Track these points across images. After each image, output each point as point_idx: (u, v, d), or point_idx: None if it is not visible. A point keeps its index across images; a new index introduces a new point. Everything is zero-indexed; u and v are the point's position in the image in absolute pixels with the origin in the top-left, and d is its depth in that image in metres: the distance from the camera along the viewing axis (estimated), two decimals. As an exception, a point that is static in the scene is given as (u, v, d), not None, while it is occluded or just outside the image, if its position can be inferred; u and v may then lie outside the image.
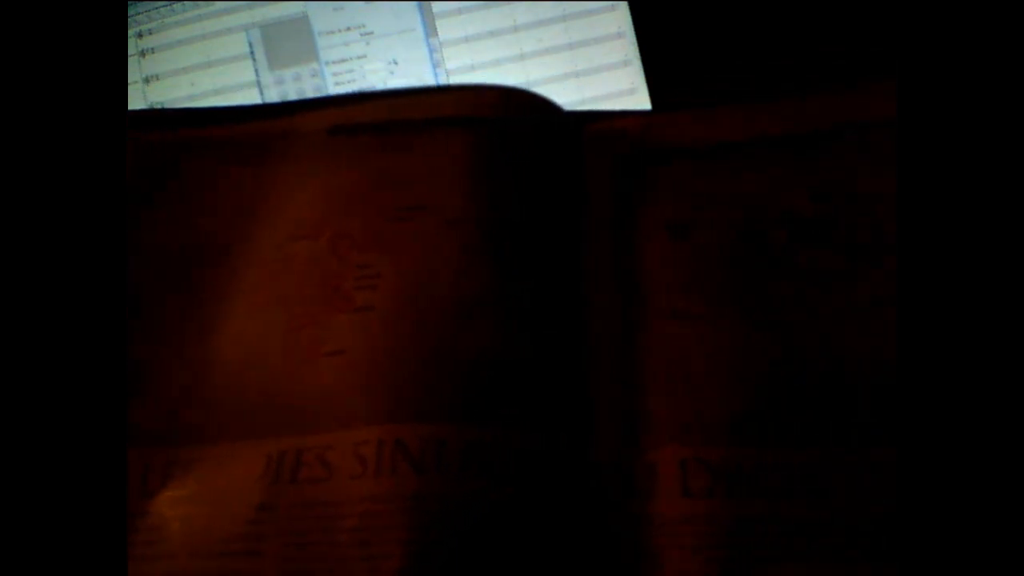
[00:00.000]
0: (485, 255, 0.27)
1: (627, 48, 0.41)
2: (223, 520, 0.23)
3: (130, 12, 0.43)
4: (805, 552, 0.22)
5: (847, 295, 0.26)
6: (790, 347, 0.25)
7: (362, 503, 0.23)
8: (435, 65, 0.42)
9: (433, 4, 0.42)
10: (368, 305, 0.26)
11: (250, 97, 0.43)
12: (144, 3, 0.43)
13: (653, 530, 0.23)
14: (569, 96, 0.41)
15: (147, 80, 0.43)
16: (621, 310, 0.27)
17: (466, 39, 0.42)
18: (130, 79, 0.43)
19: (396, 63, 0.42)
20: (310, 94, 0.43)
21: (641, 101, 0.41)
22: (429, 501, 0.23)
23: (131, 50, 0.43)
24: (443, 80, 0.42)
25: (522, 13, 0.41)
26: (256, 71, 0.43)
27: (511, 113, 0.30)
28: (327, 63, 0.43)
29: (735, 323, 0.26)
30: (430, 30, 0.42)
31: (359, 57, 0.42)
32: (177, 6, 0.43)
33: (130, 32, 0.43)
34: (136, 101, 0.43)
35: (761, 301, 0.26)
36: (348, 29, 0.42)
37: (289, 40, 0.43)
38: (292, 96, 0.42)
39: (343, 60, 0.42)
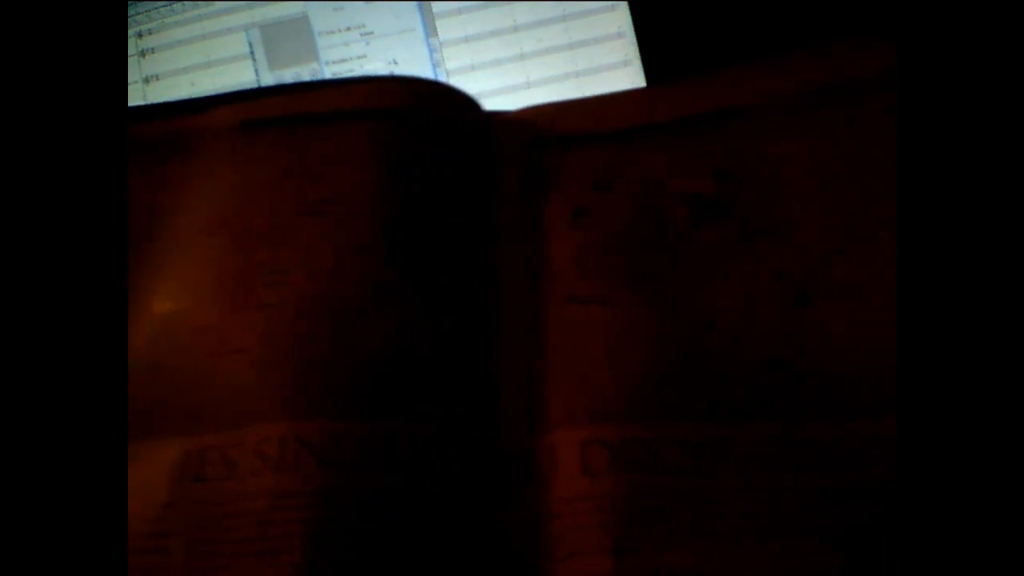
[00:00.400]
0: (392, 248, 0.27)
1: (627, 48, 0.41)
2: (130, 518, 0.23)
3: (130, 12, 0.43)
4: (703, 527, 0.23)
5: (747, 271, 0.26)
6: (688, 325, 0.26)
7: (264, 499, 0.23)
8: (435, 65, 0.42)
9: (433, 4, 0.42)
10: (274, 302, 0.26)
11: (250, 97, 0.43)
12: (144, 3, 0.43)
13: (553, 511, 0.24)
14: (569, 96, 0.41)
15: (147, 80, 0.43)
16: (527, 297, 0.27)
17: (466, 39, 0.42)
18: (130, 79, 0.43)
19: (396, 63, 0.42)
20: (310, 94, 0.43)
21: (641, 101, 0.41)
22: (330, 496, 0.23)
23: (131, 50, 0.43)
24: (444, 80, 0.42)
25: (522, 13, 0.41)
26: (256, 71, 0.43)
27: (418, 104, 0.30)
28: (327, 63, 0.43)
29: (633, 304, 0.26)
30: (430, 30, 0.42)
31: (359, 57, 0.42)
32: (177, 6, 0.43)
33: (130, 32, 0.43)
34: (136, 101, 0.43)
35: (661, 281, 0.26)
36: (348, 29, 0.42)
37: (289, 40, 0.43)
38: (292, 96, 0.42)
39: (343, 60, 0.42)
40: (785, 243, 0.26)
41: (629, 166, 0.29)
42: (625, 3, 0.40)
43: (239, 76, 0.43)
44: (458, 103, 0.31)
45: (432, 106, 0.30)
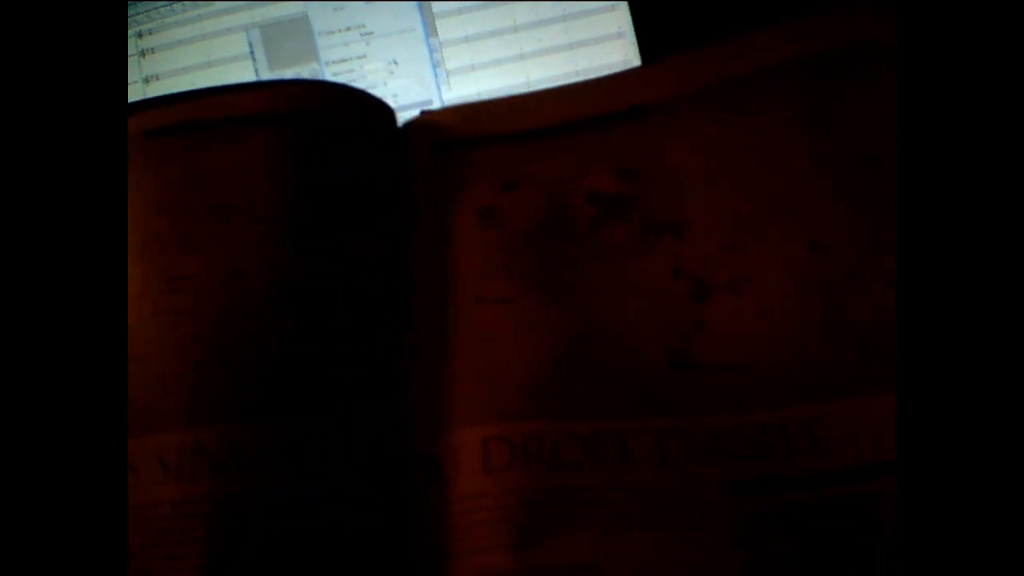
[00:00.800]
0: (294, 253, 0.27)
1: (627, 48, 0.41)
2: None
3: (130, 12, 0.43)
4: (601, 520, 0.23)
5: (647, 268, 0.27)
6: (589, 323, 0.26)
7: (166, 506, 0.24)
8: (435, 65, 0.42)
9: (433, 4, 0.42)
10: (174, 309, 0.26)
11: (250, 97, 0.42)
12: (144, 3, 0.43)
13: (455, 509, 0.24)
14: (569, 96, 0.41)
15: (147, 80, 0.43)
16: (436, 297, 0.28)
17: (466, 39, 0.42)
18: (130, 79, 0.43)
19: (396, 63, 0.42)
20: (310, 94, 0.43)
21: (641, 101, 0.41)
22: (229, 500, 0.24)
23: (131, 50, 0.43)
24: (444, 80, 0.42)
25: (522, 13, 0.41)
26: (256, 71, 0.43)
27: (322, 108, 0.30)
28: (327, 63, 0.43)
29: (537, 304, 0.26)
30: (430, 30, 0.42)
31: (359, 57, 0.42)
32: (177, 6, 0.43)
33: (130, 32, 0.43)
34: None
35: (564, 280, 0.27)
36: (348, 29, 0.42)
37: (289, 40, 0.43)
38: (292, 96, 0.42)
39: (343, 60, 0.42)
40: (683, 239, 0.27)
41: (536, 165, 0.29)
42: (625, 3, 0.40)
43: (239, 76, 0.43)
44: (362, 105, 0.31)
45: (334, 109, 0.30)
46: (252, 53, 0.43)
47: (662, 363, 0.25)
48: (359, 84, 0.42)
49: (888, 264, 0.24)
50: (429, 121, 0.31)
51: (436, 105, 0.42)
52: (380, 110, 0.32)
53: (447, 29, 0.42)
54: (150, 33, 0.43)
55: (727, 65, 0.29)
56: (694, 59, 0.30)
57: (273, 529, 0.24)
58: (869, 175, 0.26)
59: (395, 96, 0.42)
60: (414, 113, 0.32)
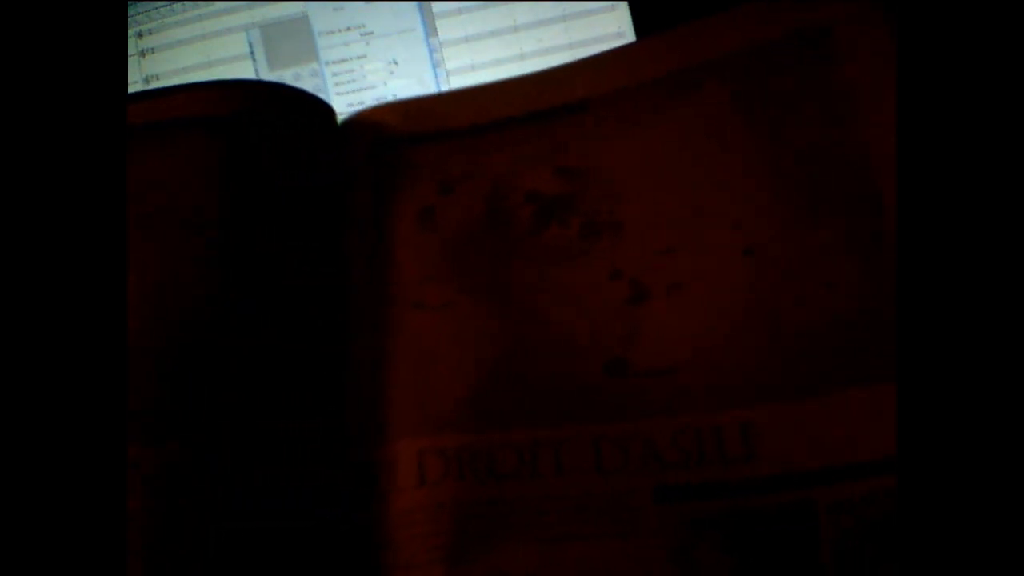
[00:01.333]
0: (222, 259, 0.26)
1: (627, 48, 0.41)
2: None
3: (130, 12, 0.43)
4: (535, 531, 0.23)
5: (585, 271, 0.26)
6: (527, 328, 0.25)
7: None
8: (435, 65, 0.42)
9: (433, 4, 0.42)
10: None
11: (250, 97, 0.43)
12: (144, 3, 0.43)
13: (392, 523, 0.23)
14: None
15: (147, 80, 0.43)
16: (375, 303, 0.27)
17: (466, 39, 0.42)
18: (130, 79, 0.43)
19: (396, 63, 0.42)
20: (310, 94, 0.43)
21: (641, 101, 0.41)
22: (165, 518, 0.23)
23: (131, 50, 0.43)
24: (444, 80, 0.42)
25: (522, 13, 0.41)
26: (256, 71, 0.43)
27: (255, 109, 0.29)
28: (327, 63, 0.43)
29: (474, 311, 0.26)
30: (430, 30, 0.42)
31: (359, 57, 0.42)
32: (177, 6, 0.43)
33: (130, 32, 0.43)
34: (136, 101, 0.43)
35: (503, 285, 0.26)
36: (348, 29, 0.42)
37: (289, 40, 0.43)
38: (292, 96, 0.42)
39: (343, 60, 0.42)
40: (621, 241, 0.26)
41: (476, 164, 0.28)
42: (625, 3, 0.40)
43: (239, 76, 0.43)
44: (299, 105, 0.30)
45: (267, 110, 0.29)
46: (252, 53, 0.43)
47: (598, 369, 0.24)
48: (359, 84, 0.42)
49: (824, 266, 0.24)
50: (367, 119, 0.30)
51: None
52: (318, 109, 0.30)
53: (447, 29, 0.42)
54: (150, 33, 0.43)
55: (669, 58, 0.28)
56: (635, 51, 0.29)
57: (204, 544, 0.23)
58: (808, 173, 0.25)
59: (395, 96, 0.42)
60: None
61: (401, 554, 0.23)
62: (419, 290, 0.26)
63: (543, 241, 0.27)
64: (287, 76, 0.43)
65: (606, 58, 0.29)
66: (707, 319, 0.24)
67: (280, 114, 0.29)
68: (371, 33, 0.42)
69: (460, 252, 0.27)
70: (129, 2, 0.43)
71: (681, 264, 0.25)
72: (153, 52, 0.43)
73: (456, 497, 0.23)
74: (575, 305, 0.25)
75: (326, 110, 0.30)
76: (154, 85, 0.43)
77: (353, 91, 0.42)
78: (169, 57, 0.43)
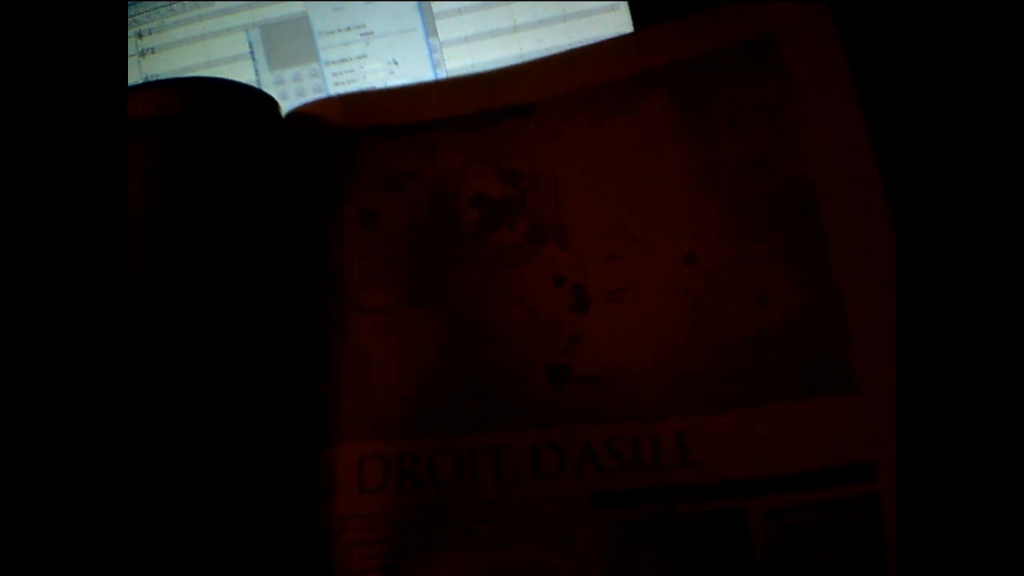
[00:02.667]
0: (160, 264, 0.25)
1: (627, 48, 0.41)
2: None
3: (130, 12, 0.43)
4: (472, 536, 0.23)
5: (528, 277, 0.26)
6: (469, 334, 0.25)
7: None
8: (435, 65, 0.42)
9: (433, 4, 0.42)
10: None
11: (250, 97, 0.42)
12: (144, 3, 0.43)
13: (331, 531, 0.23)
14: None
15: (147, 80, 0.43)
16: (316, 303, 0.26)
17: (466, 39, 0.42)
18: (130, 79, 0.43)
19: (396, 63, 0.42)
20: (310, 94, 0.43)
21: (641, 101, 0.41)
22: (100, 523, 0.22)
23: (131, 50, 0.43)
24: (443, 80, 0.42)
25: (522, 13, 0.41)
26: (256, 71, 0.43)
27: (192, 109, 0.27)
28: (327, 63, 0.43)
29: (417, 314, 0.25)
30: (430, 30, 0.42)
31: (359, 57, 0.42)
32: (177, 6, 0.43)
33: (130, 32, 0.43)
34: (136, 101, 0.43)
35: (447, 288, 0.26)
36: (348, 29, 0.42)
37: (289, 40, 0.43)
38: (292, 97, 0.42)
39: (343, 60, 0.42)
40: (565, 248, 0.26)
41: (422, 163, 0.28)
42: (625, 3, 0.40)
43: (239, 76, 0.43)
44: (240, 99, 0.29)
45: (204, 108, 0.28)
46: (252, 53, 0.43)
47: (539, 375, 0.25)
48: (359, 84, 0.42)
49: (760, 277, 0.24)
50: (310, 113, 0.29)
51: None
52: (260, 102, 0.29)
53: (447, 29, 0.42)
54: (150, 33, 0.43)
55: (616, 65, 0.28)
56: (582, 56, 0.28)
57: (142, 548, 0.22)
58: (747, 183, 0.25)
59: (395, 96, 0.42)
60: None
61: (339, 563, 0.23)
62: (360, 292, 0.26)
63: (488, 245, 0.26)
64: (287, 76, 0.43)
65: (553, 61, 0.29)
66: (648, 327, 0.25)
67: (217, 110, 0.28)
68: (371, 33, 0.42)
69: (402, 254, 0.26)
70: (129, 2, 0.43)
71: (623, 271, 0.25)
72: (153, 52, 0.43)
73: (394, 505, 0.23)
74: (519, 310, 0.25)
75: (269, 103, 0.29)
76: (154, 85, 0.43)
77: (353, 91, 0.42)
78: (169, 57, 0.43)
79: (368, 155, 0.28)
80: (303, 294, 0.27)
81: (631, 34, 0.29)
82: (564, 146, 0.27)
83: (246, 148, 0.28)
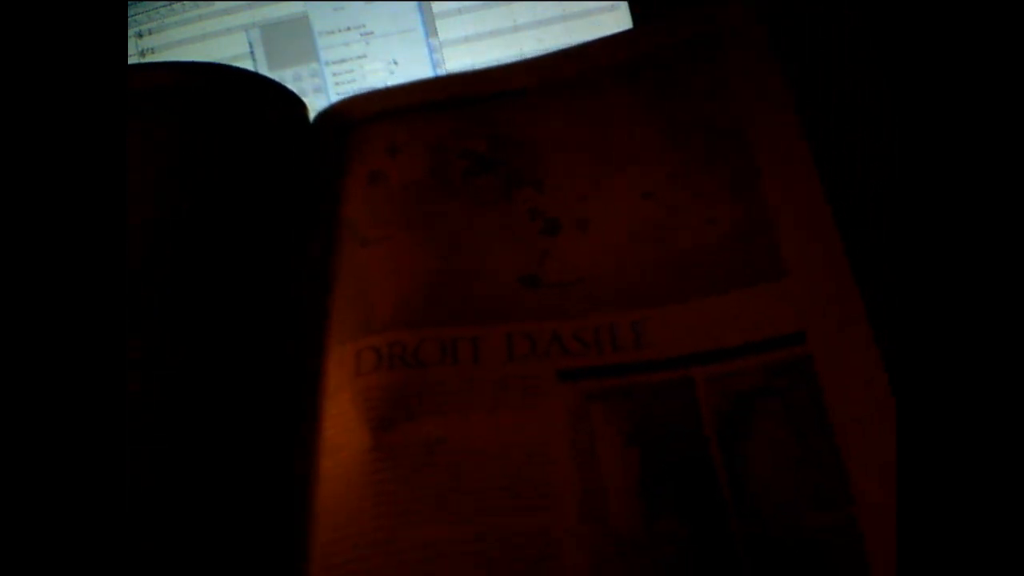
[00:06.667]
0: (159, 254, 0.28)
1: (627, 48, 0.41)
2: None
3: (130, 12, 0.43)
4: (450, 404, 0.27)
5: (507, 211, 0.31)
6: (454, 255, 0.30)
7: None
8: (435, 65, 0.42)
9: (433, 4, 0.42)
10: None
11: (250, 97, 0.42)
12: (144, 3, 0.43)
13: (327, 413, 0.27)
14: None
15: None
16: (327, 243, 0.31)
17: (466, 39, 0.42)
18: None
19: (396, 63, 0.42)
20: (310, 94, 0.43)
21: (641, 101, 0.41)
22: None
23: (131, 50, 0.43)
24: (443, 80, 0.42)
25: (522, 13, 0.41)
26: (256, 71, 0.43)
27: (211, 88, 0.31)
28: (327, 63, 0.43)
29: (409, 241, 0.30)
30: (430, 30, 0.42)
31: (359, 57, 0.42)
32: (177, 6, 0.43)
33: (130, 32, 0.43)
34: (136, 101, 0.43)
35: (435, 221, 0.31)
36: (348, 29, 0.42)
37: (289, 40, 0.43)
38: (292, 96, 0.42)
39: (343, 60, 0.43)
40: (540, 191, 0.31)
41: (419, 134, 0.33)
42: (625, 3, 0.40)
43: (239, 76, 0.43)
44: (269, 93, 0.32)
45: (226, 92, 0.31)
46: (252, 53, 0.43)
47: (513, 282, 0.29)
48: (359, 84, 0.42)
49: (710, 205, 0.29)
50: (335, 110, 0.34)
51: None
52: (289, 100, 0.33)
53: (447, 29, 0.42)
54: (150, 33, 0.43)
55: (590, 58, 0.34)
56: (567, 52, 0.34)
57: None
58: (695, 138, 0.31)
59: (395, 96, 0.42)
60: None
61: (334, 430, 0.27)
62: (367, 230, 0.31)
63: (473, 187, 0.32)
64: (287, 76, 0.43)
65: (544, 57, 0.35)
66: (609, 244, 0.30)
67: (245, 97, 0.32)
68: (371, 33, 0.42)
69: (402, 199, 0.32)
70: (129, 2, 0.43)
71: (590, 207, 0.31)
72: (153, 52, 0.43)
73: (385, 382, 0.27)
74: (497, 235, 0.30)
75: (296, 102, 0.33)
76: (154, 85, 0.43)
77: (353, 91, 0.42)
78: (169, 57, 0.43)
79: (375, 132, 0.33)
80: (316, 242, 0.31)
81: (607, 36, 0.35)
82: (546, 119, 0.33)
83: (270, 132, 0.32)
